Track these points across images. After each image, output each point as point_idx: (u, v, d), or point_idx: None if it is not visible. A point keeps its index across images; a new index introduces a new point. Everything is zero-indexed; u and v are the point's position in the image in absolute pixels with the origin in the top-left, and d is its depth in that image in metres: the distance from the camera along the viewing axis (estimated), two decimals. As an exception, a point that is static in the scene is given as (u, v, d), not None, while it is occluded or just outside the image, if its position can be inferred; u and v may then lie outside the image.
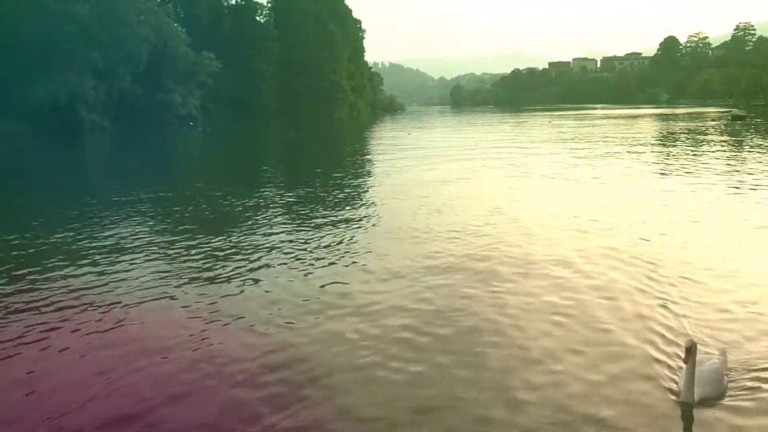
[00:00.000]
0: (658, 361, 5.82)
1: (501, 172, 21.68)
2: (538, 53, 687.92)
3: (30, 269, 9.29)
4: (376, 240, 11.13)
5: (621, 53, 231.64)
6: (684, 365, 5.11)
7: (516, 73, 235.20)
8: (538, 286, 8.09)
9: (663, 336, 6.36)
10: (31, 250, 10.67)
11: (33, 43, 64.44)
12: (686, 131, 44.28)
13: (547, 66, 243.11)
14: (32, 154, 38.18)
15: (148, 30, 72.53)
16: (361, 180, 20.96)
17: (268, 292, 8.09)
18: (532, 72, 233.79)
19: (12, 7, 65.92)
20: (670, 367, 5.67)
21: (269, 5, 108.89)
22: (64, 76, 64.44)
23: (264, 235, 11.73)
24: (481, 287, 8.04)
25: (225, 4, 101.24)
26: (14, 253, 10.47)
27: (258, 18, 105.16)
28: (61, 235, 11.86)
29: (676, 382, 5.32)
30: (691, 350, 4.95)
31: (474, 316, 7.05)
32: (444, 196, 16.07)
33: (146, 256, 10.12)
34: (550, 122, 63.68)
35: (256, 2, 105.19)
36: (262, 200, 16.40)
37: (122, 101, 71.39)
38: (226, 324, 6.92)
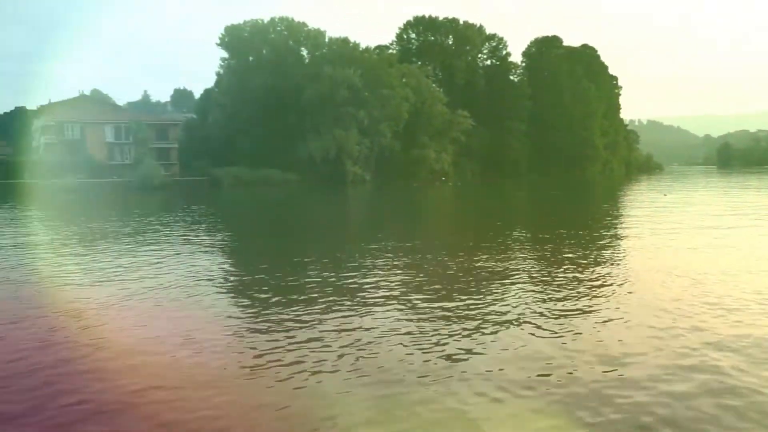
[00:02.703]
0: None
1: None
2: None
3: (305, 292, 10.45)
4: (628, 310, 10.37)
5: None
6: None
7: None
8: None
9: None
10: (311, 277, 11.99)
11: (310, 104, 73.35)
12: None
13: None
14: (306, 200, 42.91)
15: (409, 91, 78.23)
16: (613, 242, 19.99)
17: (515, 349, 8.14)
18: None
19: (296, 76, 75.95)
20: None
21: (523, 64, 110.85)
22: (334, 133, 72.25)
23: (507, 291, 11.79)
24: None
25: (480, 64, 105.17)
26: (289, 281, 11.85)
27: (512, 77, 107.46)
28: (329, 274, 13.18)
29: None
30: None
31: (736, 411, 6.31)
32: (704, 266, 14.38)
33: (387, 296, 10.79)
34: None
35: (511, 62, 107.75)
36: (514, 257, 16.48)
37: (381, 156, 77.51)
38: (464, 378, 7.09)
